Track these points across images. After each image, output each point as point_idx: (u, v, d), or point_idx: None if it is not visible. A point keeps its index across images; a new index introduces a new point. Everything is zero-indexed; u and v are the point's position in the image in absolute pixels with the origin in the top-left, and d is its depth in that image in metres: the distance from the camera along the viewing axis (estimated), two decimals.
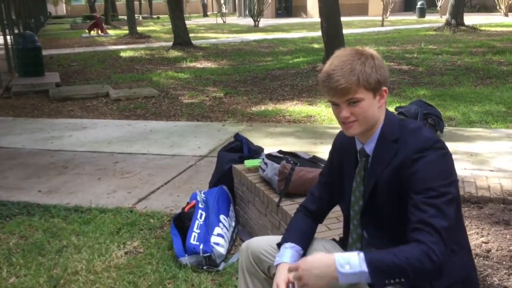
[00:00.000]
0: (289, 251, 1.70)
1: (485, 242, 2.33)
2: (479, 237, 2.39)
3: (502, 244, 2.30)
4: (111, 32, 25.03)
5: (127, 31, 22.25)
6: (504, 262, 2.13)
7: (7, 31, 12.87)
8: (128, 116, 7.27)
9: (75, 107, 7.86)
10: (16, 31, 14.08)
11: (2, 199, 4.02)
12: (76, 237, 3.30)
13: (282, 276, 1.60)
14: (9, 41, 12.25)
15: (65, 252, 3.10)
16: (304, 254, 1.73)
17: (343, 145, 1.76)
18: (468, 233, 2.48)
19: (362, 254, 1.38)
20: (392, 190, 1.54)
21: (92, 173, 4.68)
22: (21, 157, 5.26)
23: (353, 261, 1.37)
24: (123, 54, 14.80)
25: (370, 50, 1.60)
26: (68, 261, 2.98)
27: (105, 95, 8.62)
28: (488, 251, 2.25)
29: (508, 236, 2.37)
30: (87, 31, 24.80)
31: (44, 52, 11.44)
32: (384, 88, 1.58)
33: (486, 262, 2.15)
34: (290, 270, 1.52)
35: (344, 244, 1.83)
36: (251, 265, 1.83)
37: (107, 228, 3.41)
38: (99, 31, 24.21)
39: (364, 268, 1.35)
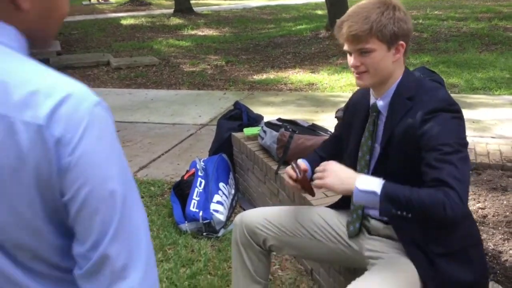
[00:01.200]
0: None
1: (481, 208, 2.35)
2: (475, 203, 2.40)
3: (499, 210, 2.32)
4: None
5: None
6: (499, 228, 2.15)
7: None
8: (129, 84, 7.24)
9: (76, 76, 7.82)
10: None
11: None
12: None
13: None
14: None
15: None
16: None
17: (357, 100, 1.73)
18: None
19: (383, 180, 1.40)
20: (402, 148, 1.48)
21: None
22: None
23: (372, 182, 1.40)
24: (123, 21, 14.62)
25: (395, 1, 1.52)
26: None
27: (106, 64, 8.57)
28: (485, 216, 2.27)
29: (504, 202, 2.38)
30: None
31: None
32: (401, 42, 1.50)
33: (482, 227, 2.17)
34: (317, 169, 1.52)
35: (340, 208, 1.83)
36: (246, 239, 1.84)
37: None
38: None
39: (378, 190, 1.37)
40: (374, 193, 1.37)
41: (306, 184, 1.69)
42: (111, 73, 8.03)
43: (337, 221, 1.80)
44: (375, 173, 1.57)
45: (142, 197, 3.43)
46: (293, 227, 1.79)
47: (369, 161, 1.62)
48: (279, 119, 3.12)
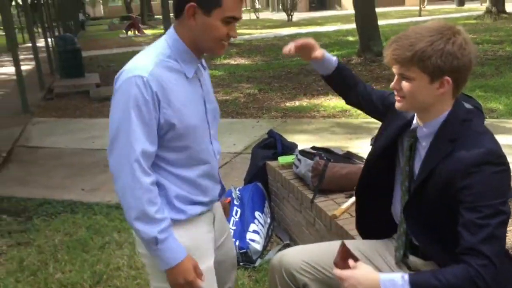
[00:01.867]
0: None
1: None
2: None
3: None
4: (147, 32, 25.53)
5: (162, 30, 22.57)
6: None
7: (47, 33, 13.35)
8: None
9: None
10: (56, 34, 14.56)
11: (48, 197, 4.20)
12: (118, 234, 3.42)
13: None
14: (50, 43, 12.70)
15: (107, 248, 3.22)
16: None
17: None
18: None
19: (406, 276, 1.36)
20: (440, 191, 1.43)
21: None
22: (64, 156, 5.47)
23: (398, 284, 1.36)
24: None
25: (457, 31, 1.40)
26: (111, 257, 3.10)
27: None
28: None
29: None
30: (124, 31, 25.37)
31: (84, 54, 11.79)
32: (447, 78, 1.40)
33: None
34: (337, 278, 1.46)
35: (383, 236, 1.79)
36: (285, 283, 1.79)
37: None
38: (136, 31, 24.72)
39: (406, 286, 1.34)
40: (401, 278, 1.36)
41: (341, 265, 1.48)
42: None
43: (379, 255, 1.76)
44: (412, 201, 1.55)
45: None
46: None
47: (408, 188, 1.59)
48: (314, 147, 3.14)
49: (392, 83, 1.50)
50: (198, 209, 1.57)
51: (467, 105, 1.53)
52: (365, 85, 1.91)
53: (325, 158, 2.87)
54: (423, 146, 1.53)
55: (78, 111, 8.02)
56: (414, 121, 1.57)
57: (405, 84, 1.44)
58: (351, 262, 1.44)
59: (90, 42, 22.05)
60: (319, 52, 1.77)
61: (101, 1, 62.77)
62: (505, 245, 1.37)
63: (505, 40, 11.26)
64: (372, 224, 1.84)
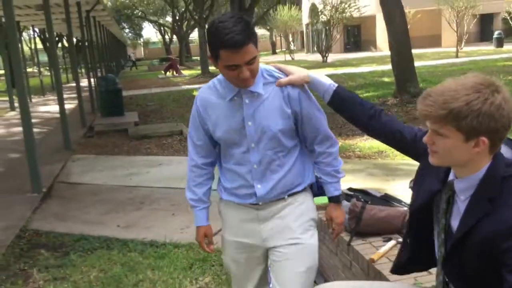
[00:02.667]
0: None
1: None
2: None
3: None
4: (185, 72, 26.31)
5: (200, 71, 23.26)
6: None
7: (91, 74, 13.94)
8: None
9: (152, 145, 8.26)
10: (99, 74, 15.19)
11: (85, 233, 4.27)
12: (152, 271, 3.42)
13: None
14: (92, 83, 13.23)
15: (141, 286, 3.22)
16: None
17: None
18: None
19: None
20: (479, 253, 1.38)
21: (167, 208, 4.86)
22: (102, 193, 5.59)
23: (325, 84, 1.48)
24: (196, 93, 15.42)
25: (496, 89, 1.34)
26: None
27: (179, 133, 9.00)
28: None
29: None
30: (163, 72, 26.22)
31: (124, 93, 12.22)
32: (483, 138, 1.34)
33: None
34: None
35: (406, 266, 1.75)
36: None
37: (180, 263, 3.50)
38: (174, 72, 25.50)
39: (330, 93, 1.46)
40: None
41: None
42: (184, 142, 8.38)
43: None
44: (450, 256, 1.51)
45: (213, 266, 3.46)
46: None
47: (445, 241, 1.54)
48: (350, 189, 3.09)
49: (425, 137, 1.46)
50: (230, 197, 1.97)
51: (509, 155, 1.46)
52: (391, 117, 1.89)
53: (362, 200, 2.82)
54: (461, 200, 1.48)
55: (117, 148, 8.23)
56: (451, 173, 1.52)
57: (438, 140, 1.40)
58: None
59: (130, 82, 22.85)
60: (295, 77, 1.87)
61: (141, 43, 65.36)
62: None
63: None
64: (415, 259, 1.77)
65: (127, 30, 56.34)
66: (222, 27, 1.65)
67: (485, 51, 24.83)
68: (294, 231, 1.91)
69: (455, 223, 1.50)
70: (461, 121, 1.32)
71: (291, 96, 1.84)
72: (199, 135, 1.94)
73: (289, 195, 1.93)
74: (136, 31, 59.40)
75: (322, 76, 1.84)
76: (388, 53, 10.83)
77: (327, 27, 29.05)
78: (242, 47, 1.65)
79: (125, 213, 4.79)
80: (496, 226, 1.33)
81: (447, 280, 1.58)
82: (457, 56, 22.33)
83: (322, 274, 3.19)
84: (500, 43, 27.04)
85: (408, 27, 10.76)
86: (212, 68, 25.68)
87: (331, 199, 2.11)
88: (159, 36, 56.48)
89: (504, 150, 1.48)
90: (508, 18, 26.81)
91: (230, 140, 1.87)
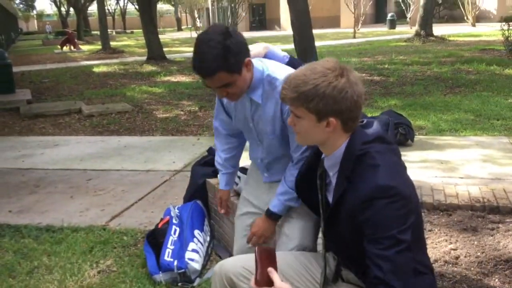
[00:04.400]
0: None
1: (453, 249, 2.38)
2: (447, 244, 2.44)
3: (470, 250, 2.36)
4: (83, 47, 24.82)
5: (100, 46, 22.10)
6: (472, 268, 2.18)
7: None
8: (101, 132, 7.19)
9: (47, 124, 7.74)
10: None
11: None
12: (48, 258, 3.24)
13: None
14: None
15: (36, 273, 3.04)
16: None
17: None
18: (437, 240, 2.53)
19: None
20: (348, 223, 1.50)
21: (64, 191, 4.61)
22: None
23: None
24: (96, 69, 14.68)
25: (341, 74, 1.47)
26: (40, 282, 2.92)
27: (77, 111, 8.53)
28: (457, 257, 2.30)
29: (475, 243, 2.43)
30: (59, 47, 24.53)
31: (15, 69, 11.27)
32: (331, 119, 1.48)
33: (455, 268, 2.20)
34: None
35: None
36: None
37: (80, 247, 3.35)
38: (72, 47, 23.96)
39: None
40: None
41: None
42: (83, 120, 7.98)
43: (314, 266, 1.81)
44: (327, 228, 1.63)
45: (115, 248, 3.36)
46: None
47: (323, 214, 1.67)
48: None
49: (288, 119, 1.59)
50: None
51: (370, 130, 1.57)
52: None
53: None
54: (331, 176, 1.60)
55: (7, 128, 7.60)
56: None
57: (298, 122, 1.53)
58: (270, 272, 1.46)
59: (22, 57, 21.12)
60: None
61: (35, 16, 60.47)
62: (412, 268, 1.43)
63: (432, 62, 11.94)
64: None
65: (17, 1, 51.75)
66: (197, 47, 1.74)
67: (380, 32, 26.33)
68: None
69: (330, 198, 1.62)
70: (309, 103, 1.46)
71: (282, 108, 1.90)
72: (222, 115, 2.18)
73: None
74: (28, 2, 54.74)
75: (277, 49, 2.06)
76: (290, 32, 11.06)
77: (232, 5, 28.93)
78: (209, 76, 1.73)
79: (18, 198, 4.47)
80: (353, 201, 1.46)
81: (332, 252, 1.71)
82: (354, 37, 23.44)
83: (227, 249, 3.23)
84: (392, 24, 28.82)
85: (310, 7, 11.04)
86: (113, 43, 24.53)
87: (267, 212, 2.06)
88: (55, 8, 52.64)
89: (376, 126, 1.60)
90: (400, 1, 28.61)
91: (240, 127, 2.10)
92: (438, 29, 21.40)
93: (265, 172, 2.10)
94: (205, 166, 3.63)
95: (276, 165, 2.04)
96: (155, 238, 3.10)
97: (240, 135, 2.24)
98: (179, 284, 2.85)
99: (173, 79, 12.36)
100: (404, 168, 1.57)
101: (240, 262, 1.81)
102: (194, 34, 32.41)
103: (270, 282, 1.46)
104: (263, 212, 2.09)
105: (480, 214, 2.77)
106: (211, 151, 3.72)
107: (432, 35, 18.71)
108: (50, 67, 16.24)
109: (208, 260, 3.16)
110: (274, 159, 2.02)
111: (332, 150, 1.57)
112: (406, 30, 25.24)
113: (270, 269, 1.47)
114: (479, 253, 2.31)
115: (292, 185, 1.90)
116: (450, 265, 2.22)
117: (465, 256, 2.29)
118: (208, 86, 1.84)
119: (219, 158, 2.26)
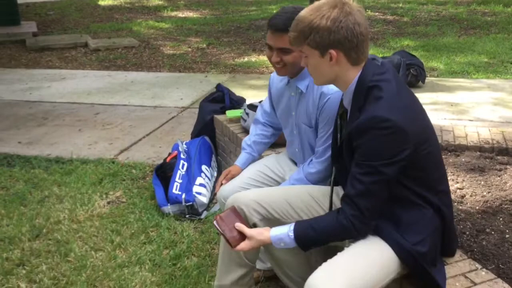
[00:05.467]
0: None
1: (459, 188, 2.39)
2: (454, 183, 2.44)
3: (476, 190, 2.36)
4: None
5: None
6: (477, 207, 2.20)
7: None
8: (108, 66, 7.12)
9: (53, 57, 7.66)
10: None
11: None
12: (58, 188, 3.30)
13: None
14: None
15: (47, 202, 3.11)
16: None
17: None
18: None
19: (292, 233, 1.57)
20: (350, 151, 1.57)
21: (72, 124, 4.63)
22: None
23: (285, 241, 1.59)
24: (101, 2, 14.30)
25: (334, 5, 1.50)
26: (50, 210, 3.00)
27: (83, 45, 8.40)
28: (463, 196, 2.31)
29: (482, 183, 2.43)
30: None
31: (19, 0, 11.00)
32: (331, 51, 1.51)
33: (460, 207, 2.22)
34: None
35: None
36: None
37: (89, 179, 3.41)
38: None
39: (295, 244, 1.59)
40: (287, 236, 1.58)
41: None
42: (89, 54, 7.88)
43: (324, 198, 1.86)
44: (336, 159, 1.72)
45: (124, 180, 3.41)
46: (283, 209, 1.82)
47: (334, 148, 1.78)
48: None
49: (302, 60, 1.63)
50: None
51: (384, 62, 1.61)
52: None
53: None
54: (349, 112, 1.64)
55: (14, 60, 7.54)
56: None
57: (307, 62, 1.60)
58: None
59: None
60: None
61: None
62: (382, 204, 1.51)
63: (448, 1, 11.52)
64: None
65: None
66: (280, 10, 1.90)
67: None
68: None
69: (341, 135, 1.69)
70: (308, 38, 1.52)
71: (319, 103, 1.96)
72: (267, 106, 2.33)
73: None
74: None
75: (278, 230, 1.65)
76: None
77: None
78: (278, 32, 1.85)
79: (27, 129, 4.50)
80: (352, 129, 1.51)
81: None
82: None
83: None
84: None
85: None
86: None
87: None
88: None
89: (388, 63, 1.62)
90: None
91: (282, 119, 2.20)
92: None
93: (300, 163, 2.17)
94: (213, 102, 3.61)
95: (308, 156, 2.11)
96: (164, 172, 3.14)
97: (275, 128, 2.38)
98: (187, 216, 2.92)
99: (180, 14, 12.05)
100: (415, 102, 1.58)
101: (254, 197, 1.84)
102: None
103: (243, 236, 1.66)
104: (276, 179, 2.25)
105: (489, 155, 2.76)
106: (219, 88, 3.68)
107: None
108: (54, 0, 15.85)
109: (215, 195, 3.21)
110: (309, 150, 2.10)
111: (346, 85, 1.59)
112: None
113: (237, 225, 1.68)
114: (485, 193, 2.32)
115: (308, 175, 2.01)
116: (455, 203, 2.24)
117: (470, 196, 2.30)
118: (268, 47, 1.94)
119: (249, 140, 2.36)
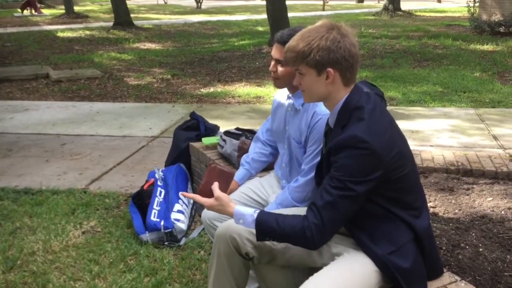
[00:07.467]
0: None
1: (432, 207, 2.52)
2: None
3: (448, 208, 2.50)
4: (45, 11, 23.80)
5: (63, 11, 21.26)
6: (450, 224, 2.32)
7: None
8: (71, 97, 7.03)
9: (14, 89, 7.49)
10: None
11: None
12: (30, 219, 3.22)
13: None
14: None
15: (19, 234, 3.02)
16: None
17: None
18: None
19: (255, 215, 1.63)
20: (327, 167, 1.64)
21: (39, 155, 4.53)
22: None
23: (246, 219, 1.66)
24: (60, 34, 14.17)
25: (331, 28, 1.60)
26: (24, 242, 2.91)
27: (44, 76, 8.28)
28: (436, 214, 2.44)
29: (453, 201, 2.57)
30: (19, 10, 23.43)
31: None
32: (329, 69, 1.59)
33: (435, 224, 2.33)
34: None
35: None
36: (230, 251, 1.83)
37: (61, 209, 3.34)
38: (33, 11, 22.94)
39: (253, 226, 1.64)
40: (251, 215, 1.64)
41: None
42: (51, 86, 7.76)
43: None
44: (319, 175, 1.78)
45: (97, 210, 3.36)
46: None
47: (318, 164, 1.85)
48: (238, 128, 3.18)
49: (295, 80, 1.71)
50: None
51: (368, 90, 1.70)
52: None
53: (250, 138, 2.93)
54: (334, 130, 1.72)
55: None
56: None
57: (302, 80, 1.66)
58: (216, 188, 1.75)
59: None
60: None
61: None
62: (345, 220, 1.57)
63: (401, 35, 12.14)
64: None
65: None
66: (288, 30, 2.05)
67: (348, 6, 26.42)
68: None
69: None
70: (307, 58, 1.59)
71: (311, 122, 2.05)
72: (269, 123, 2.42)
73: None
74: None
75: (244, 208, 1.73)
76: (261, 2, 10.97)
77: None
78: (280, 44, 2.01)
79: None
80: (332, 144, 1.60)
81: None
82: (323, 9, 23.44)
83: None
84: None
85: None
86: (77, 7, 23.61)
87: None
88: None
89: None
90: None
91: (276, 132, 2.28)
92: (406, 4, 21.67)
93: (284, 179, 2.24)
94: (188, 130, 3.64)
95: (296, 175, 2.16)
96: (141, 199, 3.12)
97: (274, 148, 2.46)
98: (166, 243, 2.90)
99: (142, 46, 12.10)
100: (395, 129, 1.65)
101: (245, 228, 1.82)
102: (161, 1, 31.55)
103: (212, 195, 1.74)
104: (260, 202, 2.31)
105: (455, 176, 2.93)
106: (194, 116, 3.73)
107: (399, 9, 18.96)
108: (11, 31, 15.56)
109: (192, 221, 3.22)
110: (296, 166, 2.17)
111: (333, 104, 1.67)
112: (374, 4, 25.43)
113: (214, 184, 1.77)
114: (456, 210, 2.45)
115: (292, 193, 2.08)
116: (430, 221, 2.36)
117: (443, 213, 2.43)
118: (271, 58, 2.09)
119: (247, 157, 2.45)
